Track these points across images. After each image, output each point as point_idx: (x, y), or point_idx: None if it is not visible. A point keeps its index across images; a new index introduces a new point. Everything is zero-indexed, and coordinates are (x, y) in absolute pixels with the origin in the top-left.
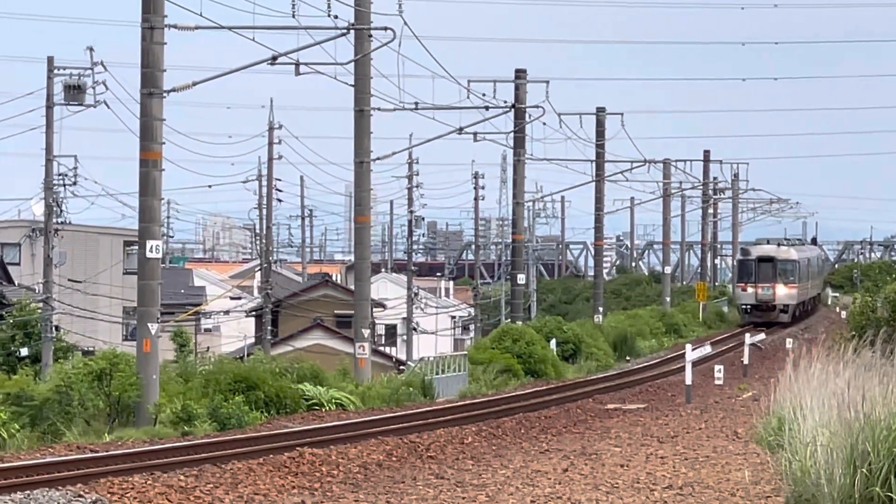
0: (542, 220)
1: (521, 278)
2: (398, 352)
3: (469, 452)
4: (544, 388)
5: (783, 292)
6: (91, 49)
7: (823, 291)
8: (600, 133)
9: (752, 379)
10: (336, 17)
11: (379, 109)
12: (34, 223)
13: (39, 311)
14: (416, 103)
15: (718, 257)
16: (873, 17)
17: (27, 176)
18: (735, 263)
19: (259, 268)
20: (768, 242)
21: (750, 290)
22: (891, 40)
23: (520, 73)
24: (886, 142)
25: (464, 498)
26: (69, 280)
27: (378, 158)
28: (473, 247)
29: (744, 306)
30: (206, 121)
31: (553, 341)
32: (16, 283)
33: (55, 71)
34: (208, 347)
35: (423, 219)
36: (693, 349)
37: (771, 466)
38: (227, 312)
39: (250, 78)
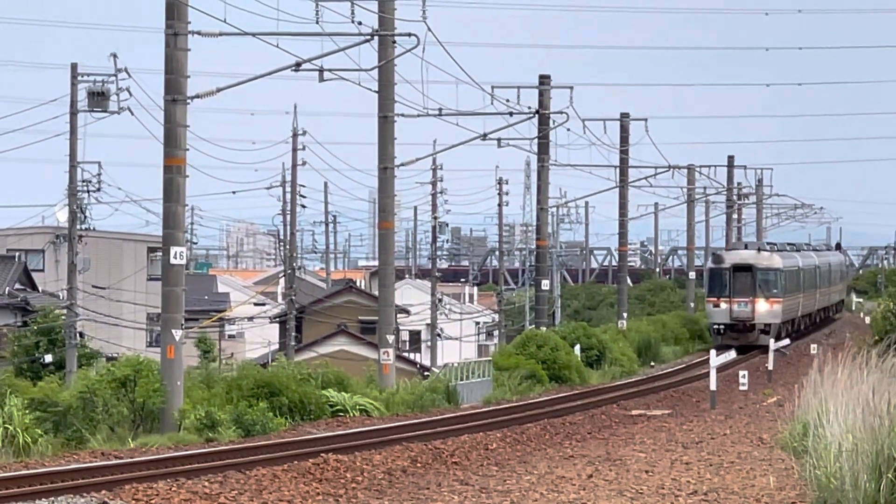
0: (566, 226)
1: (545, 284)
2: (422, 358)
3: (493, 458)
4: (569, 393)
5: (764, 309)
6: (115, 56)
7: (848, 297)
8: (624, 139)
9: (776, 384)
10: (360, 23)
11: (403, 115)
12: (58, 229)
13: (63, 317)
14: (440, 109)
15: None
16: None
17: (51, 182)
18: (705, 273)
19: (283, 274)
20: (746, 247)
21: (723, 305)
22: None
23: (544, 79)
24: None
25: None
26: (93, 286)
27: (402, 164)
28: (497, 253)
29: (716, 326)
30: (229, 127)
31: (577, 347)
32: (40, 289)
33: (79, 77)
34: (232, 354)
35: (447, 224)
36: (717, 355)
37: (796, 472)
38: (251, 319)
39: (274, 84)
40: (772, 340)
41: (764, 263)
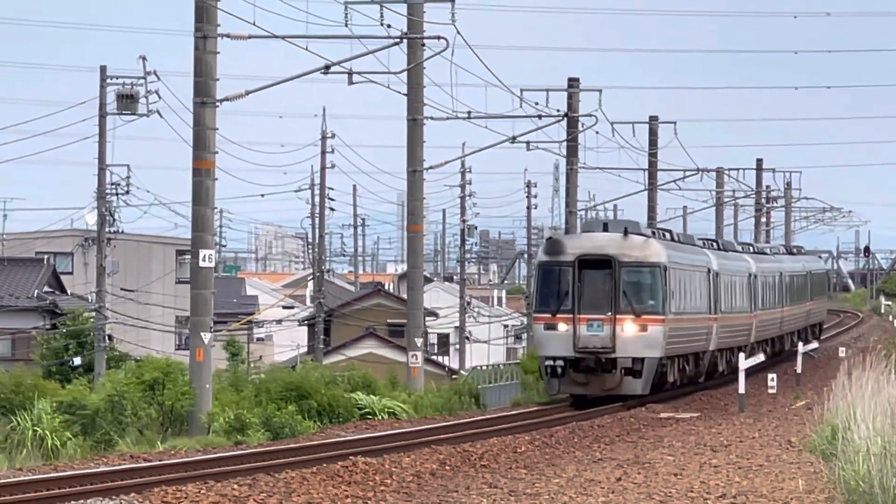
0: None
1: None
2: (451, 361)
3: (522, 461)
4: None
5: (631, 332)
6: (144, 58)
7: (876, 301)
8: (653, 142)
9: (805, 388)
10: (389, 26)
11: (432, 118)
12: (87, 232)
13: (92, 320)
14: (469, 112)
15: None
16: None
17: (80, 185)
18: (534, 271)
19: (311, 277)
20: (605, 227)
21: (562, 327)
22: None
23: (572, 82)
24: None
25: None
26: (122, 289)
27: (431, 167)
28: (526, 255)
29: (550, 363)
30: (258, 130)
31: None
32: (69, 292)
33: (108, 80)
34: (261, 356)
35: (476, 227)
36: (746, 358)
37: (824, 475)
38: (279, 322)
39: (303, 87)
40: (641, 390)
41: (633, 255)
